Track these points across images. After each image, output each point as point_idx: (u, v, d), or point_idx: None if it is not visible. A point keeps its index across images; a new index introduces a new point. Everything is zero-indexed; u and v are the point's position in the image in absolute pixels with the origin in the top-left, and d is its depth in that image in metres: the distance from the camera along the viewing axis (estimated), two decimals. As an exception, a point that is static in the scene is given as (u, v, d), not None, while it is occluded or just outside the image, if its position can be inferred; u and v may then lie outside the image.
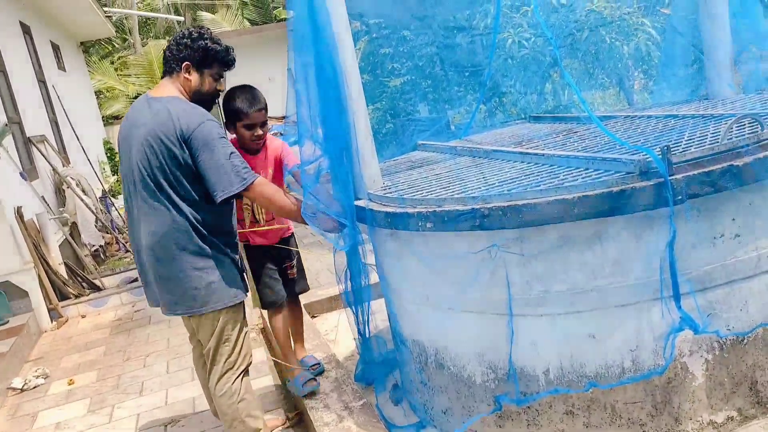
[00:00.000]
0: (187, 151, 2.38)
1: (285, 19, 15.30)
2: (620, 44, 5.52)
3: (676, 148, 2.10)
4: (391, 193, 2.45)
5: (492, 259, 2.14)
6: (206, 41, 2.53)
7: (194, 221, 2.44)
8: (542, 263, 2.09)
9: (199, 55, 2.51)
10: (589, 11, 5.50)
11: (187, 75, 2.51)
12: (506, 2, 5.30)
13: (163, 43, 18.11)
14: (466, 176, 2.51)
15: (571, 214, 1.96)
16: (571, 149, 2.53)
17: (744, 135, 2.09)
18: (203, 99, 2.56)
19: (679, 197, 1.91)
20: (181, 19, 20.21)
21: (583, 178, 2.07)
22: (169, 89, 2.52)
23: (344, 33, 2.44)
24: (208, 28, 2.63)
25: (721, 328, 2.07)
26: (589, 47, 5.55)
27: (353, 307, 2.77)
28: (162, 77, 2.59)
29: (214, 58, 2.54)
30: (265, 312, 3.39)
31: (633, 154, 2.05)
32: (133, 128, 2.46)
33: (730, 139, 2.05)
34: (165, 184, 2.40)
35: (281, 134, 13.17)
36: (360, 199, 2.54)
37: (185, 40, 2.53)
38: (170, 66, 2.55)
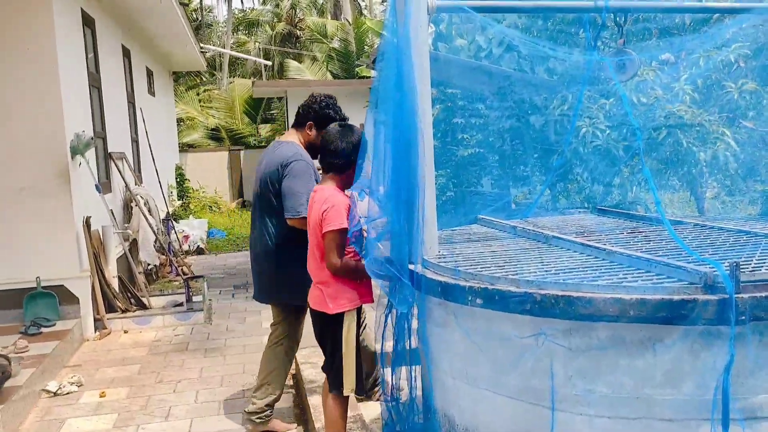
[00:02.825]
0: (280, 175, 3.37)
1: (365, 77, 15.84)
2: (697, 150, 5.44)
3: (745, 266, 2.04)
4: (446, 262, 2.45)
5: (537, 346, 2.09)
6: (329, 110, 3.44)
7: (274, 232, 3.47)
8: (589, 360, 2.03)
9: (321, 119, 3.40)
10: (669, 112, 5.48)
11: (309, 131, 3.49)
12: (586, 93, 5.34)
13: (248, 83, 18.99)
14: (523, 258, 2.49)
15: (626, 315, 1.91)
16: (634, 248, 2.48)
17: (820, 264, 2.01)
18: (314, 148, 3.41)
19: (743, 318, 1.84)
20: (269, 63, 21.18)
21: (643, 280, 2.03)
22: (292, 136, 3.54)
23: (426, 98, 2.52)
24: (334, 98, 3.52)
25: (771, 463, 1.94)
26: (665, 148, 5.50)
27: (389, 370, 2.75)
28: (292, 126, 3.60)
29: (331, 122, 3.21)
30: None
31: (699, 265, 2.00)
32: (261, 161, 3.54)
33: (805, 265, 1.97)
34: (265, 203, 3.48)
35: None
36: (414, 263, 2.55)
37: (315, 105, 3.45)
38: (299, 120, 3.54)
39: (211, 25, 27.93)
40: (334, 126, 2.96)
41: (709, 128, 5.56)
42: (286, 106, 15.24)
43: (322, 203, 2.80)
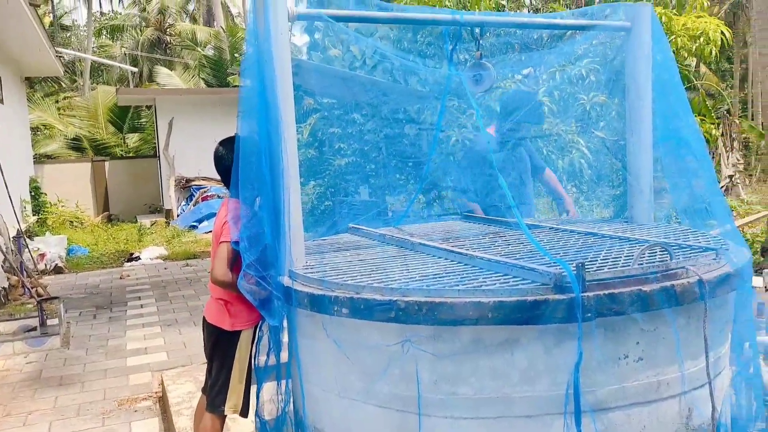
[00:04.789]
0: None
1: (238, 86, 15.52)
2: (555, 158, 5.80)
3: (590, 266, 2.18)
4: (313, 273, 2.42)
5: (404, 353, 2.11)
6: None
7: None
8: (452, 364, 2.07)
9: None
10: (530, 123, 5.80)
11: None
12: (454, 103, 5.54)
13: (113, 90, 17.95)
14: (389, 266, 2.50)
15: (485, 318, 1.98)
16: (494, 252, 2.58)
17: (654, 262, 2.19)
18: None
19: (589, 315, 1.96)
20: (135, 69, 20.18)
21: (501, 283, 2.10)
22: None
23: (288, 106, 2.48)
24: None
25: (619, 452, 2.07)
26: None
27: (259, 386, 2.67)
28: None
29: None
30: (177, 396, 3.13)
31: (550, 266, 2.10)
32: None
33: (641, 264, 2.13)
34: None
35: (219, 197, 13.04)
36: (282, 275, 2.50)
37: None
38: None
39: (69, 28, 26.14)
40: (217, 144, 2.87)
41: (566, 137, 5.96)
42: (155, 115, 14.56)
43: (225, 215, 2.70)
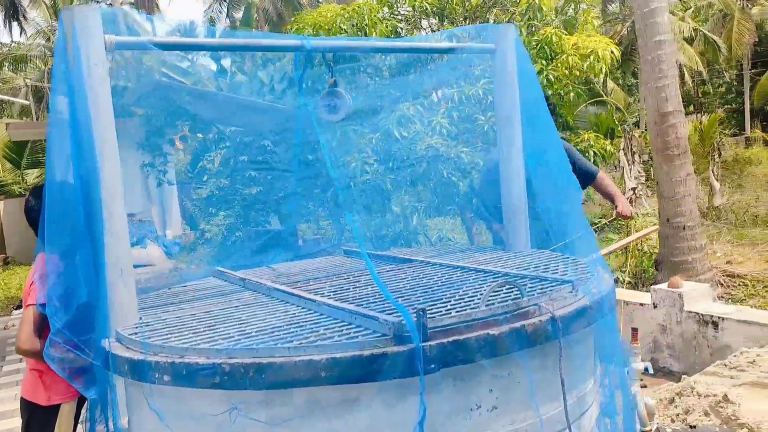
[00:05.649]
0: None
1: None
2: (457, 180, 5.70)
3: (438, 310, 1.99)
4: (137, 335, 2.13)
5: (232, 423, 1.86)
6: None
7: None
8: (287, 430, 1.84)
9: None
10: (428, 146, 5.70)
11: None
12: (355, 128, 5.38)
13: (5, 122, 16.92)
14: (230, 319, 2.24)
15: (318, 378, 1.76)
16: (349, 297, 2.37)
17: (506, 301, 2.02)
18: None
19: (432, 366, 1.77)
20: (28, 102, 19.19)
21: (339, 335, 1.89)
22: None
23: (108, 142, 2.21)
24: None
25: None
26: (430, 179, 5.71)
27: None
28: None
29: None
30: None
31: (391, 313, 1.91)
32: None
33: (489, 305, 1.97)
34: None
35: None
36: (107, 338, 2.20)
37: None
38: None
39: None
40: (28, 194, 2.59)
41: (466, 159, 5.87)
42: (53, 150, 13.72)
43: (34, 272, 2.38)
